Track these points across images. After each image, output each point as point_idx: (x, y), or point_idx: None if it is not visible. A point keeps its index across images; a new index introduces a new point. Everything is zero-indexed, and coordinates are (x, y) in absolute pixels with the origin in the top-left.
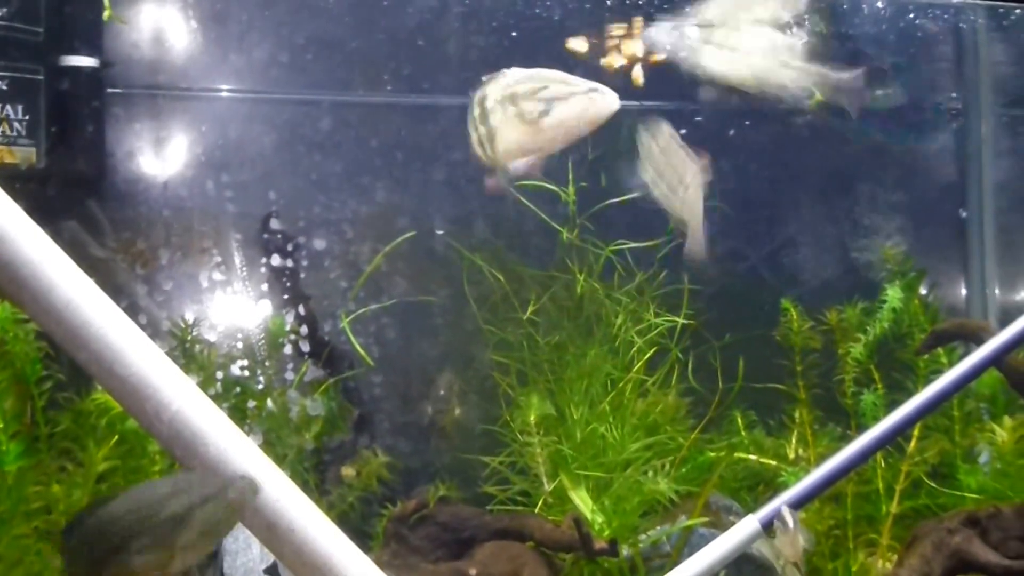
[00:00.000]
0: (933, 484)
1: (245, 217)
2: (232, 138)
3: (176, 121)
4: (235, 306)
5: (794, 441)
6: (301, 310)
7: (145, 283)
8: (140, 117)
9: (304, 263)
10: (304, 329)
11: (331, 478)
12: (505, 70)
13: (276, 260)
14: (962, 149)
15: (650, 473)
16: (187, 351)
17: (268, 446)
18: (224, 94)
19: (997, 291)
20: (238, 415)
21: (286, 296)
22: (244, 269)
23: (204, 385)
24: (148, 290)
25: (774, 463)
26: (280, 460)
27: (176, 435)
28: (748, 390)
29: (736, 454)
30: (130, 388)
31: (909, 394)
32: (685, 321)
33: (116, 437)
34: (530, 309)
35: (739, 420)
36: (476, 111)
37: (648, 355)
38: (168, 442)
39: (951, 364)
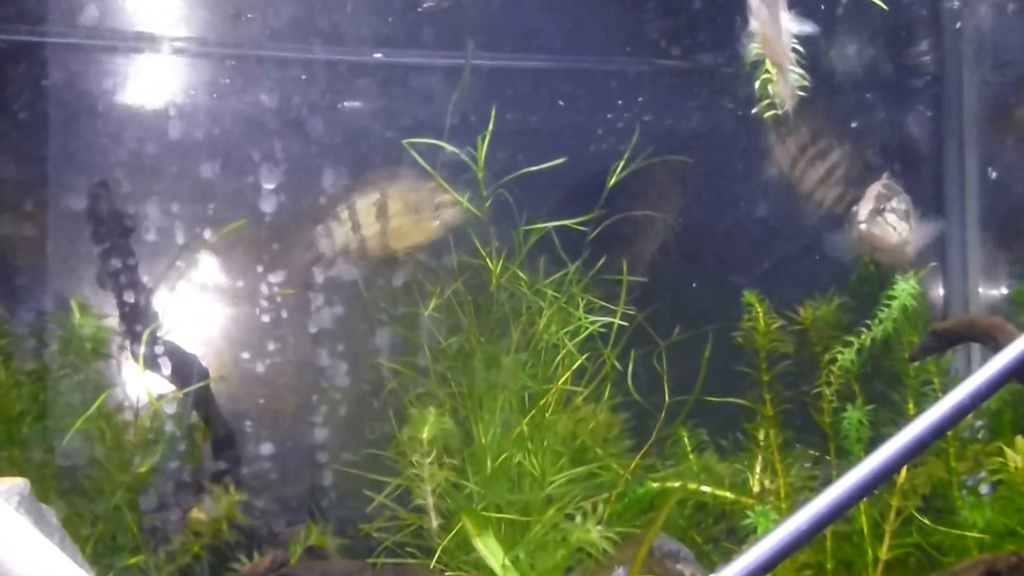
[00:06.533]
0: (926, 520)
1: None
2: None
3: None
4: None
5: (758, 469)
6: (131, 299)
7: None
8: None
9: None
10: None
11: (173, 523)
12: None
13: (103, 237)
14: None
15: (578, 517)
16: None
17: (87, 479)
18: None
19: (980, 288)
20: (46, 437)
21: (115, 283)
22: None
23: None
24: None
25: (731, 496)
26: (103, 497)
27: None
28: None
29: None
30: None
31: (896, 410)
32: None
33: None
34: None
35: (686, 440)
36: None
37: (578, 363)
38: None
39: (942, 372)
